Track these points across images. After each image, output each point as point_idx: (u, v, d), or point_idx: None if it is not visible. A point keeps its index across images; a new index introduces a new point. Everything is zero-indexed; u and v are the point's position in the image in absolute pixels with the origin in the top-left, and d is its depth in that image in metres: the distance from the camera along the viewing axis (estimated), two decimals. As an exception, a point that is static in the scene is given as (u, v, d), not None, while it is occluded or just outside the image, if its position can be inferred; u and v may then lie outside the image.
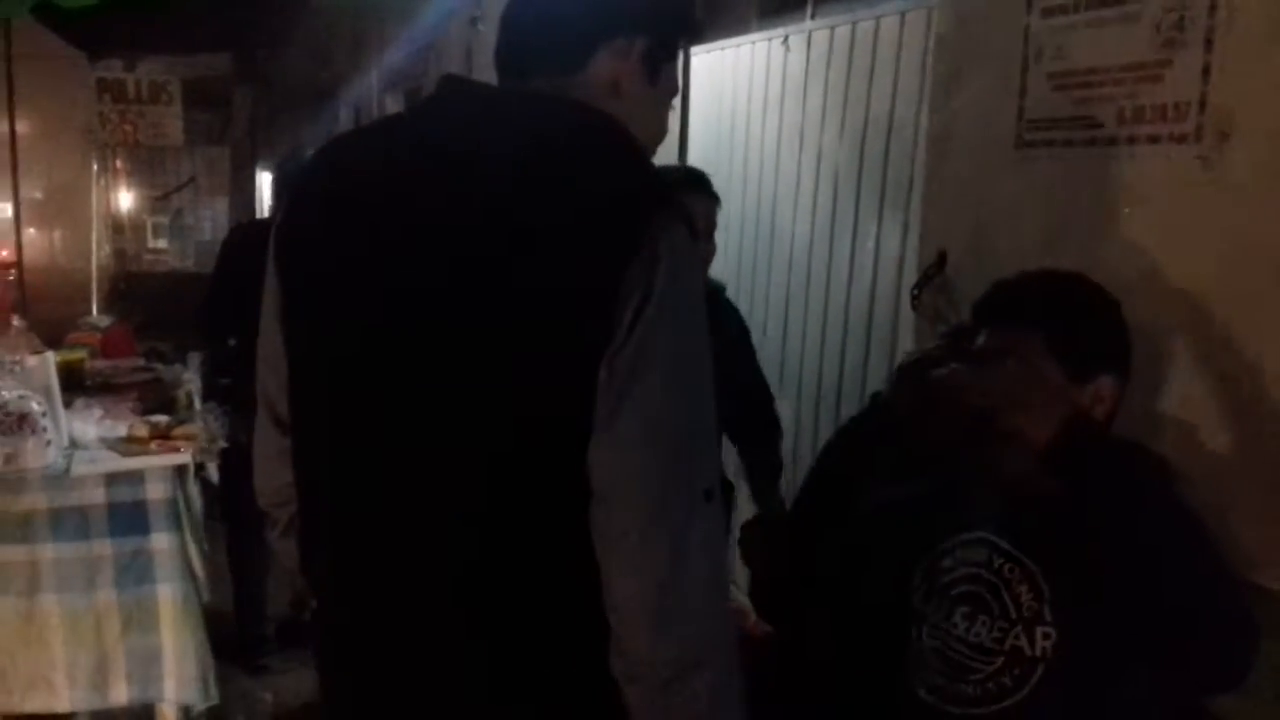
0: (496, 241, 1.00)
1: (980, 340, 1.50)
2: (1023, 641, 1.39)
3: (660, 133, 1.23)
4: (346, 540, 1.17)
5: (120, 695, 2.71)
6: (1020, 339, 1.44)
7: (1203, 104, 1.64)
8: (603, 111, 1.09)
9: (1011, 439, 1.39)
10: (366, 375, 1.09)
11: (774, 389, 3.11)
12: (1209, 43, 1.63)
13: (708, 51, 3.68)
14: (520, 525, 1.03)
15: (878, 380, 2.77)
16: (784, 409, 3.12)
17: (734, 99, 3.48)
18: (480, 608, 1.06)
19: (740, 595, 3.06)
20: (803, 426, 3.15)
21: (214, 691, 2.77)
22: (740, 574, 2.79)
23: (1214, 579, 1.31)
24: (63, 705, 2.69)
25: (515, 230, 0.99)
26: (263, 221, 3.44)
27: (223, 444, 2.88)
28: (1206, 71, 1.64)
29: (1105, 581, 1.33)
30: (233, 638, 3.37)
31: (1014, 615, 1.41)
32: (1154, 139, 1.73)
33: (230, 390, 3.14)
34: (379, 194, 1.09)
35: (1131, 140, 1.77)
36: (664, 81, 1.18)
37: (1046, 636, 1.38)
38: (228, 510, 3.25)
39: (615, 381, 0.97)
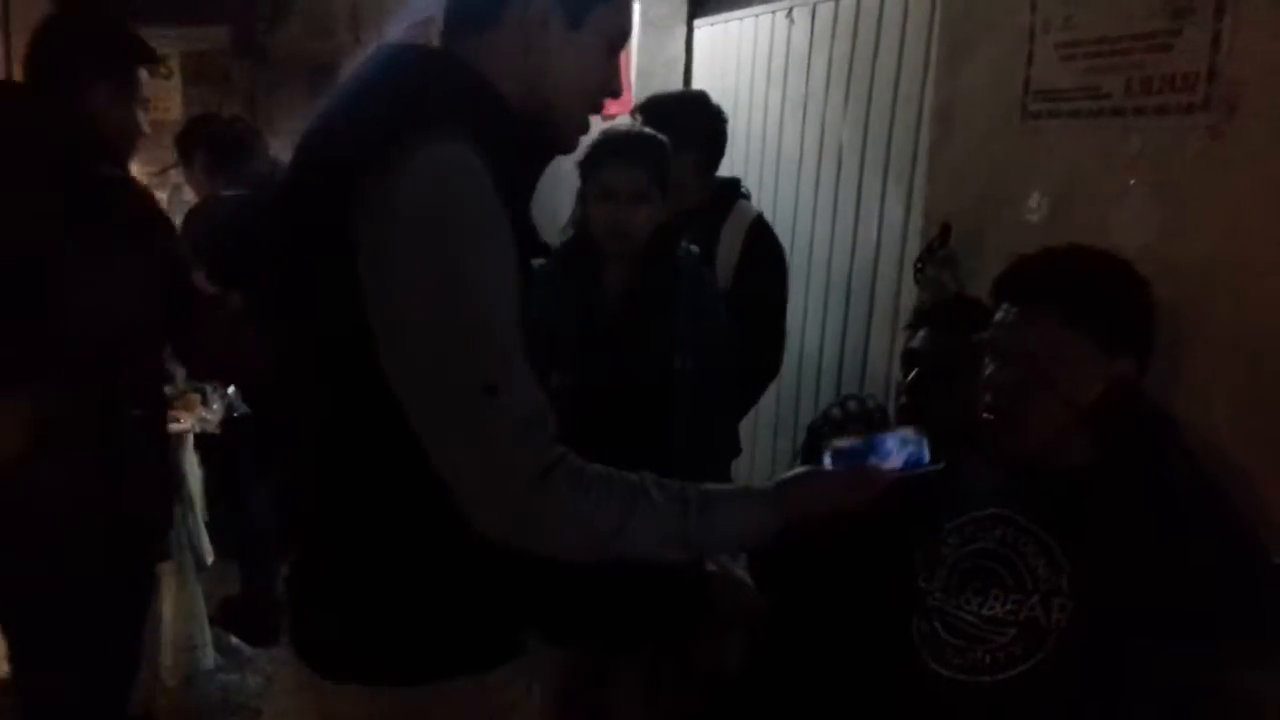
0: (306, 173, 1.15)
1: (1000, 315, 1.49)
2: (1038, 612, 1.39)
3: (598, 80, 1.21)
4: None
5: None
6: (1040, 317, 1.43)
7: (1212, 74, 1.63)
8: (444, 54, 1.17)
9: (1052, 396, 1.38)
10: (272, 308, 1.23)
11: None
12: (1219, 12, 1.62)
13: (711, 24, 3.66)
14: (357, 444, 1.14)
15: (880, 354, 2.76)
16: (785, 383, 3.11)
17: (737, 72, 3.46)
18: (338, 519, 1.18)
19: (738, 567, 3.07)
20: (803, 401, 3.15)
21: (209, 659, 2.78)
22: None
23: (1243, 549, 1.31)
24: None
25: (314, 162, 1.14)
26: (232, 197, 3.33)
27: (234, 413, 2.86)
28: (1216, 41, 1.62)
29: (1129, 551, 1.33)
30: (238, 607, 3.38)
31: (1029, 587, 1.41)
32: (1162, 110, 1.72)
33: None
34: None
35: (1139, 111, 1.76)
36: (592, 26, 1.17)
37: (1063, 608, 1.37)
38: (228, 480, 3.24)
39: (372, 290, 1.03)
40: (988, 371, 1.48)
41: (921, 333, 1.92)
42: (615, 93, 1.23)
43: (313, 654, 1.22)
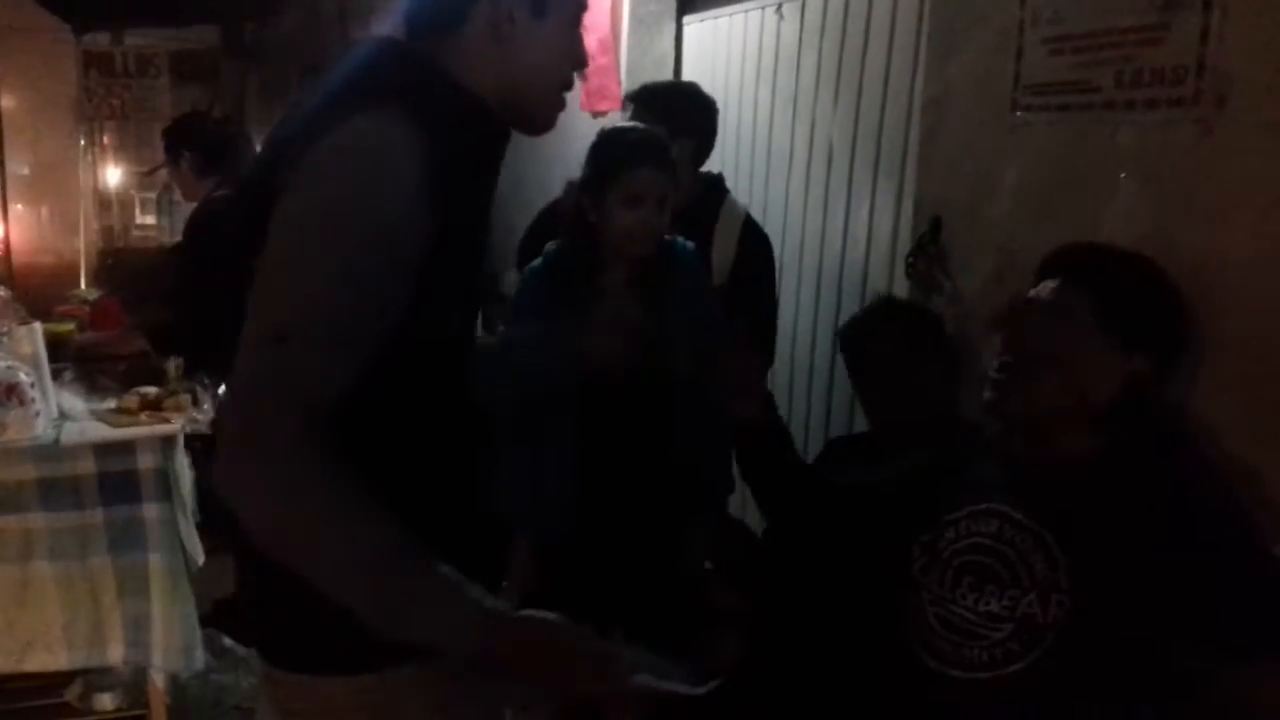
0: (262, 163, 1.21)
1: (1035, 289, 1.50)
2: (1036, 609, 1.39)
3: (568, 61, 1.25)
4: None
5: (117, 655, 2.73)
6: (1072, 295, 1.45)
7: (1201, 67, 1.63)
8: (396, 42, 1.19)
9: (1065, 383, 1.38)
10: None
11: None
12: (1207, 5, 1.61)
13: (700, 21, 3.65)
14: None
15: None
16: (777, 380, 3.11)
17: (727, 68, 3.45)
18: None
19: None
20: (795, 400, 3.15)
21: (200, 660, 2.78)
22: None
23: (1246, 543, 1.30)
24: (60, 664, 2.72)
25: (270, 149, 1.20)
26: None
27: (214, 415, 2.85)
28: (1205, 34, 1.62)
29: (1128, 546, 1.32)
30: (231, 608, 3.36)
31: (1026, 583, 1.40)
32: (1151, 103, 1.72)
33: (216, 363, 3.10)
34: None
35: (1129, 105, 1.75)
36: (555, 8, 1.21)
37: (1060, 605, 1.37)
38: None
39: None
40: (1011, 333, 1.48)
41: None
42: (582, 63, 1.27)
43: (263, 645, 1.23)
